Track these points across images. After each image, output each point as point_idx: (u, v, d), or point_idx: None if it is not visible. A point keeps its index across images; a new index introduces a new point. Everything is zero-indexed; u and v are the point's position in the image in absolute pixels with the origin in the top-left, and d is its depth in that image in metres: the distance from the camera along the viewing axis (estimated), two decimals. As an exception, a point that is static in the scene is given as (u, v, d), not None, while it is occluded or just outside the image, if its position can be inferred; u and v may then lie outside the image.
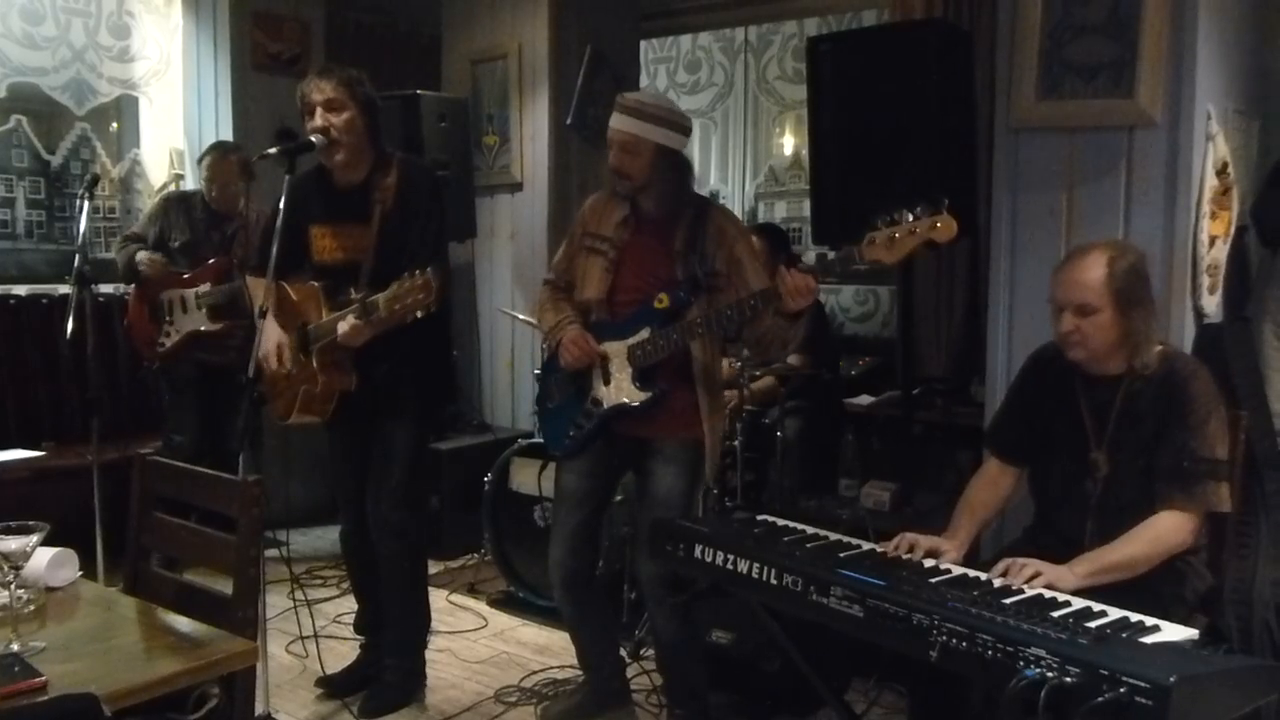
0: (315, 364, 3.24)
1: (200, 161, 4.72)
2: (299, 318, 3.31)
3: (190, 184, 5.59)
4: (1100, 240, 2.68)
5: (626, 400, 3.10)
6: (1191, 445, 2.44)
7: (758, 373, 4.52)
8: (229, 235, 4.58)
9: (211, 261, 4.50)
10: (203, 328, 4.48)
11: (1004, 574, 2.37)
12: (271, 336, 3.22)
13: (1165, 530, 2.43)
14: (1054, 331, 2.63)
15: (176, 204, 4.72)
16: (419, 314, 2.96)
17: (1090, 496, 2.60)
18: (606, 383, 3.14)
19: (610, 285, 3.14)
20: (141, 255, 4.53)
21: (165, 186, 5.54)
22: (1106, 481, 2.58)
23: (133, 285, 4.64)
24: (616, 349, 3.10)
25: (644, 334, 3.05)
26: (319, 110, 3.20)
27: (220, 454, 4.13)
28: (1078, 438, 2.62)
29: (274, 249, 3.07)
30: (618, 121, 3.06)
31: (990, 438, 2.92)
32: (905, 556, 2.52)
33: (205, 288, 4.46)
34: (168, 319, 4.55)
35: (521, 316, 5.00)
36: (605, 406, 3.15)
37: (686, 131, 3.12)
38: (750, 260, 3.08)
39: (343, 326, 3.12)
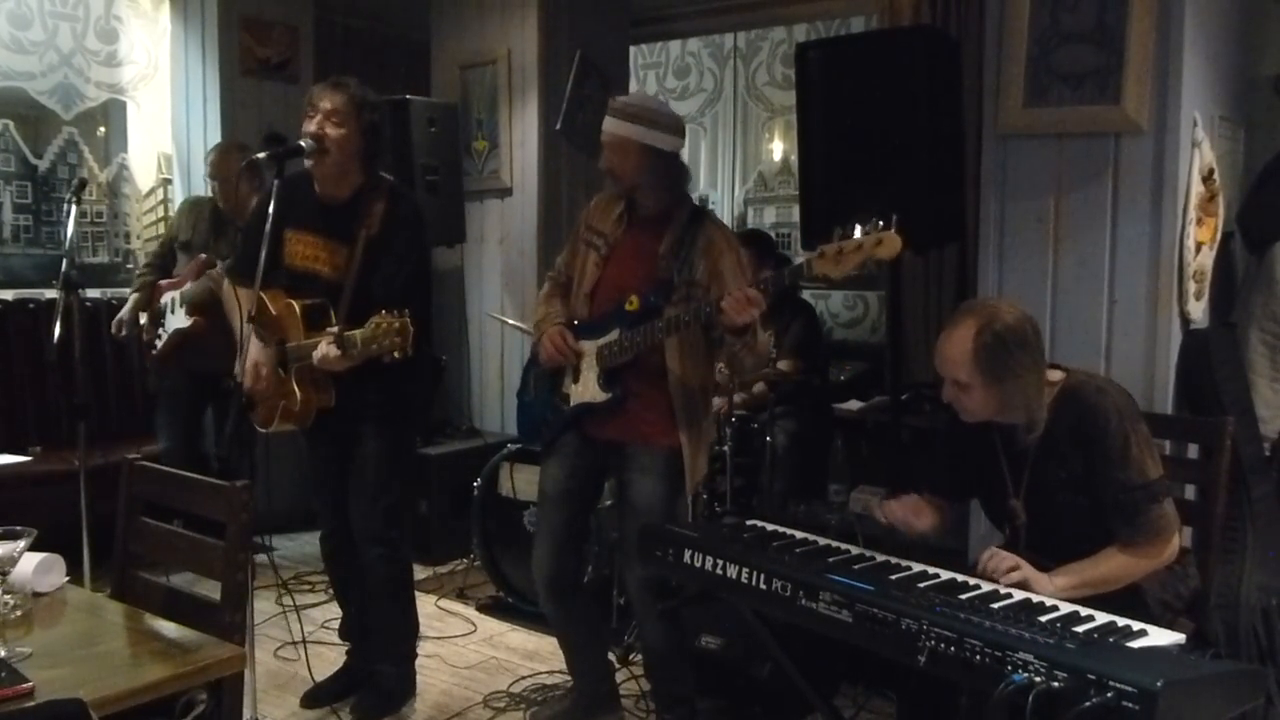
0: (294, 382, 3.25)
1: (206, 159, 4.78)
2: (278, 332, 3.30)
3: (179, 191, 5.60)
4: (978, 305, 2.56)
5: (590, 399, 3.14)
6: (1120, 478, 2.41)
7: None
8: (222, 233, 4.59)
9: (197, 259, 4.50)
10: (181, 325, 4.48)
11: (988, 560, 2.38)
12: (251, 354, 3.22)
13: (1126, 563, 2.42)
14: None
15: (190, 207, 4.81)
16: (395, 355, 2.97)
17: (1016, 544, 2.60)
18: (576, 380, 3.18)
19: (598, 279, 3.17)
20: (123, 316, 4.68)
21: (153, 191, 5.53)
22: (1028, 530, 2.57)
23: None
24: (589, 348, 3.14)
25: (613, 335, 3.08)
26: (319, 116, 3.21)
27: (217, 459, 4.18)
28: (998, 485, 2.61)
29: (261, 256, 3.06)
30: (607, 124, 3.09)
31: (928, 481, 2.84)
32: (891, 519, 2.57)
33: (188, 286, 4.47)
34: (161, 322, 4.59)
35: (511, 322, 5.00)
36: (571, 404, 3.18)
37: (677, 132, 3.11)
38: (733, 275, 3.05)
39: (317, 353, 3.13)
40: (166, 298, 4.57)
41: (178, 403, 4.74)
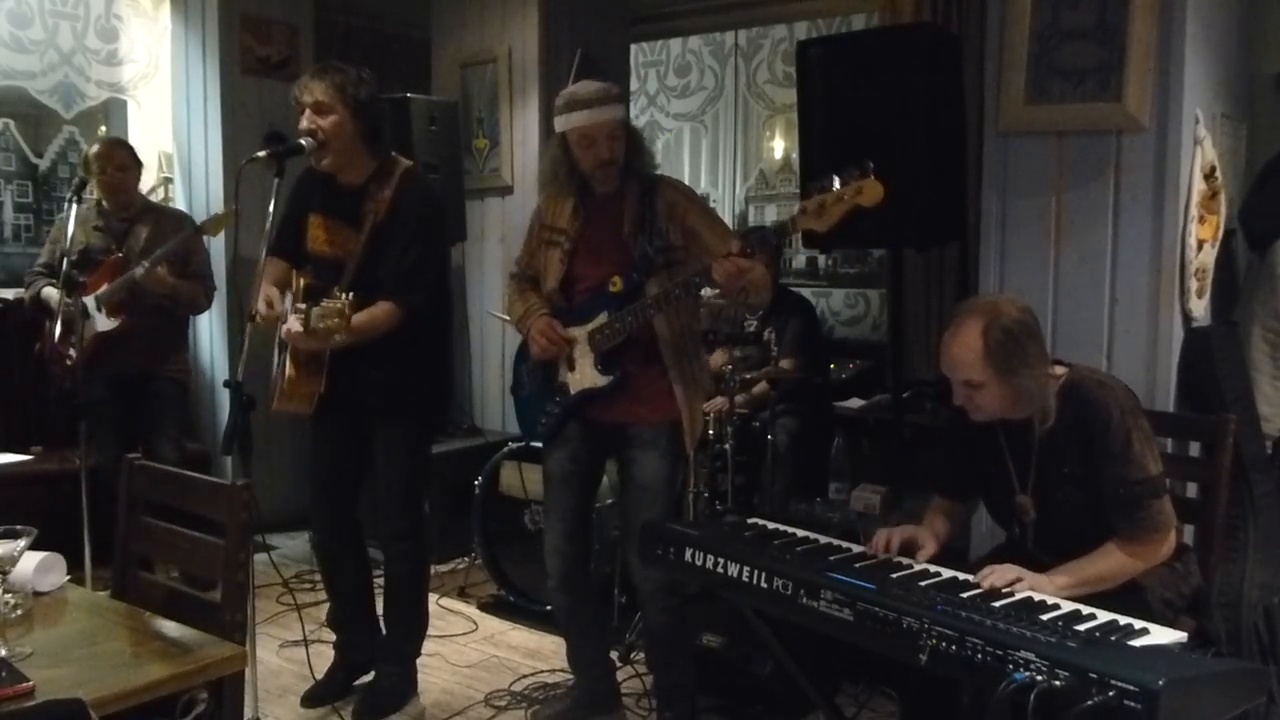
0: (289, 359, 3.26)
1: (88, 157, 4.51)
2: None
3: (180, 190, 5.59)
4: (978, 303, 2.55)
5: (590, 385, 3.13)
6: (1122, 473, 2.41)
7: (749, 376, 4.52)
8: (124, 232, 4.42)
9: (107, 261, 4.31)
10: (102, 328, 4.28)
11: (988, 578, 2.36)
12: (267, 290, 3.20)
13: (1124, 560, 2.41)
14: None
15: (77, 220, 4.41)
16: (336, 338, 2.93)
17: (1025, 540, 2.60)
18: (571, 369, 3.17)
19: (565, 274, 3.17)
20: (47, 291, 4.35)
21: (153, 191, 5.52)
22: (1036, 526, 2.57)
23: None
24: (580, 334, 3.13)
25: (602, 318, 3.08)
26: (307, 112, 3.19)
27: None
28: (1004, 482, 2.61)
29: (263, 252, 3.07)
30: (595, 114, 3.02)
31: (934, 482, 2.84)
32: (882, 556, 2.51)
33: (104, 288, 4.27)
34: (74, 334, 4.27)
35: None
36: (571, 392, 3.18)
37: None
38: (707, 227, 3.07)
39: (284, 327, 3.13)
40: (87, 299, 4.32)
41: (106, 412, 4.43)
